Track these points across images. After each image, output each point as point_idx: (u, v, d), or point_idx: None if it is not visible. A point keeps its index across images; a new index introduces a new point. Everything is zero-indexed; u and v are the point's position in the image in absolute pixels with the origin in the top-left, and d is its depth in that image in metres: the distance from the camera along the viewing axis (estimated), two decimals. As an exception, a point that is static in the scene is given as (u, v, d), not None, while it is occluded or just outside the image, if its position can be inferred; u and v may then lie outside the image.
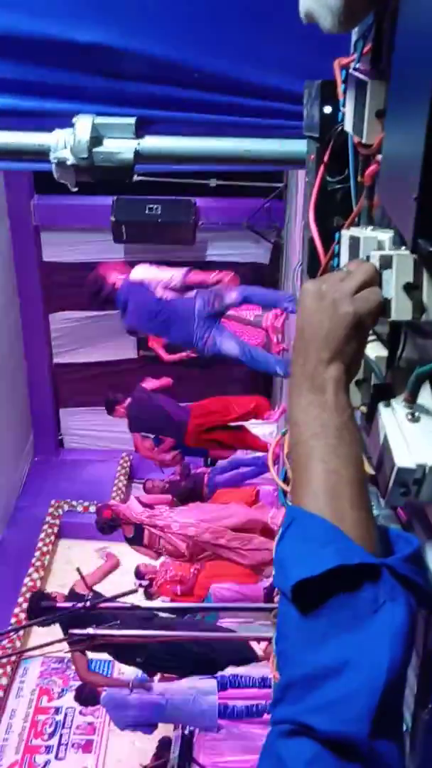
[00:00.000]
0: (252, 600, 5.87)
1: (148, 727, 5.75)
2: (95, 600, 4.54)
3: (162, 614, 5.30)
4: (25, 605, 7.60)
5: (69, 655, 5.62)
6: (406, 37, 0.95)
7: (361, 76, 1.26)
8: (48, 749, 6.87)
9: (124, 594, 4.38)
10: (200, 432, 6.73)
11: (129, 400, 6.81)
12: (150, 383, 6.96)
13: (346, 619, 0.79)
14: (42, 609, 4.72)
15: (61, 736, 6.96)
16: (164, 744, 6.09)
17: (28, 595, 7.69)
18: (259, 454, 6.94)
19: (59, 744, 6.89)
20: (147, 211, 7.64)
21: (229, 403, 6.92)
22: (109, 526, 6.33)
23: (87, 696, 5.83)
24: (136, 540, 6.24)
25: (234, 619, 5.73)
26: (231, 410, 6.81)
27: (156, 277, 5.48)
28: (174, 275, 5.49)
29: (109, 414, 7.11)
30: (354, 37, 1.40)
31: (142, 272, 5.56)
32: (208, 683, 5.55)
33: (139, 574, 6.28)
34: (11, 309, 8.79)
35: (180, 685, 5.64)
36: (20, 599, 7.70)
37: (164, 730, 6.11)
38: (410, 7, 0.92)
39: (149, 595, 6.16)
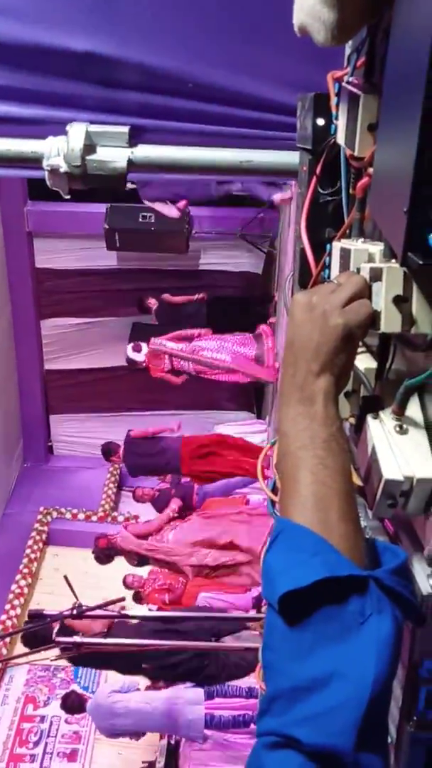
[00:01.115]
0: (240, 610, 5.85)
1: (134, 734, 5.72)
2: (82, 609, 4.52)
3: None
4: (12, 612, 7.57)
5: (54, 663, 5.57)
6: (398, 52, 0.96)
7: (354, 90, 1.27)
8: (33, 758, 6.79)
9: (111, 602, 4.37)
10: (195, 458, 6.86)
11: (122, 449, 7.11)
12: (135, 431, 7.23)
13: (333, 631, 0.79)
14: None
15: (46, 744, 6.88)
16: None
17: (15, 603, 7.68)
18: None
19: (44, 753, 6.82)
20: (140, 220, 7.64)
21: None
22: (105, 555, 6.30)
23: (73, 704, 5.79)
24: (141, 565, 6.25)
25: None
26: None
27: None
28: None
29: (107, 461, 7.65)
30: (347, 51, 1.41)
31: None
32: (195, 692, 5.52)
33: (127, 585, 6.24)
34: (3, 315, 8.76)
35: (166, 693, 5.61)
36: (7, 606, 7.64)
37: (150, 738, 6.07)
38: (402, 23, 0.93)
39: (138, 599, 6.13)
